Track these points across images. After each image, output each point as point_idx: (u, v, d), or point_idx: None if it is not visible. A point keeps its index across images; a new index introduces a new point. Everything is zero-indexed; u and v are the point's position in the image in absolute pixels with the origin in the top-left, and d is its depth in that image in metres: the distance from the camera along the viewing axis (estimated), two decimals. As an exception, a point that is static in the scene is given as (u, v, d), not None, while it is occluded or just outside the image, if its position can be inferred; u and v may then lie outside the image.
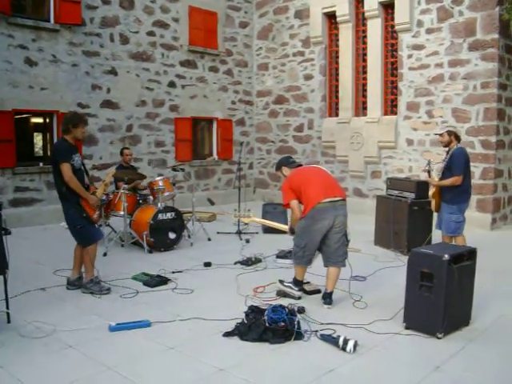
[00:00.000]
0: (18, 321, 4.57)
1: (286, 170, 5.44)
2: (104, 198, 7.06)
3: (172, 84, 11.78)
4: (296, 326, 4.25)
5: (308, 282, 5.57)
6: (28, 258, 6.88)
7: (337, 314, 4.85)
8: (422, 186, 7.60)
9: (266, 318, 4.28)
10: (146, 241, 7.34)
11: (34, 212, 9.52)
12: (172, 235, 7.58)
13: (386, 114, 10.97)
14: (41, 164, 9.76)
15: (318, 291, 5.42)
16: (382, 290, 5.62)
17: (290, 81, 12.72)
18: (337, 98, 11.88)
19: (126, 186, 7.61)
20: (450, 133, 6.38)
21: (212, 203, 9.63)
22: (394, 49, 10.76)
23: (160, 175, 8.56)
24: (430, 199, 6.77)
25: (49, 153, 10.12)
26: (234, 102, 13.23)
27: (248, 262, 6.74)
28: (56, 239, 8.23)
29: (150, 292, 5.54)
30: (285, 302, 4.92)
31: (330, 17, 11.76)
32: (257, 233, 8.80)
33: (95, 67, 10.37)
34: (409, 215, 7.38)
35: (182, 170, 9.08)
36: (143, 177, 8.32)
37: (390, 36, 10.84)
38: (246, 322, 4.37)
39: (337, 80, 11.84)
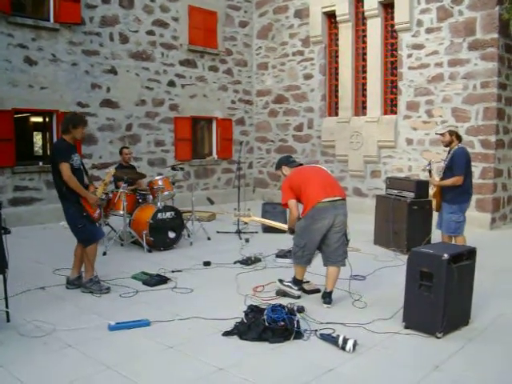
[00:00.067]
0: (18, 320, 4.57)
1: (286, 170, 5.44)
2: (103, 197, 7.06)
3: (172, 83, 11.78)
4: (295, 326, 4.25)
5: (307, 282, 5.57)
6: (27, 257, 6.87)
7: (336, 313, 4.86)
8: (421, 186, 7.61)
9: (265, 317, 4.28)
10: (145, 240, 7.34)
11: (33, 211, 9.52)
12: (171, 234, 7.58)
13: (385, 113, 10.97)
14: (40, 163, 9.76)
15: (318, 290, 5.42)
16: (382, 290, 5.63)
17: (289, 80, 12.72)
18: (336, 97, 11.88)
19: (127, 186, 7.61)
20: (451, 132, 6.37)
21: (211, 202, 9.62)
22: (394, 48, 10.76)
23: (159, 174, 8.56)
24: (430, 199, 6.76)
25: (48, 152, 10.12)
26: (233, 102, 13.23)
27: (247, 262, 6.74)
28: (55, 238, 8.23)
29: (149, 291, 5.54)
30: (284, 301, 4.93)
31: (330, 16, 11.76)
32: (256, 232, 8.80)
33: (95, 66, 10.36)
34: (408, 214, 7.38)
35: (182, 169, 9.08)
36: (143, 176, 8.33)
37: (390, 35, 10.84)
38: (245, 321, 4.37)
39: (336, 79, 11.84)
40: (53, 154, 5.42)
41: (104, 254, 7.05)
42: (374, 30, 10.80)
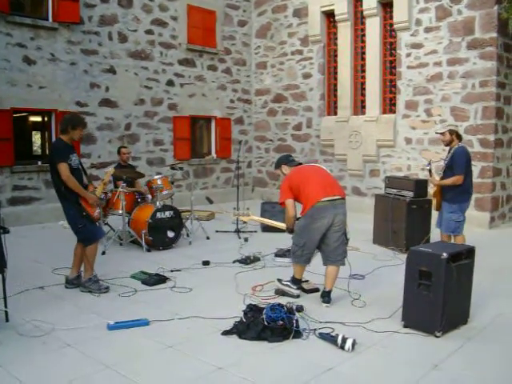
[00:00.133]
0: (17, 319, 4.57)
1: (285, 169, 5.44)
2: (102, 196, 7.06)
3: (170, 82, 11.77)
4: (294, 325, 4.25)
5: (306, 281, 5.57)
6: (26, 257, 6.87)
7: (335, 312, 4.86)
8: (420, 185, 7.61)
9: (264, 316, 4.28)
10: (144, 239, 7.34)
11: (32, 211, 9.51)
12: (170, 234, 7.58)
13: (384, 112, 10.97)
14: (39, 163, 9.76)
15: (317, 290, 5.43)
16: (381, 289, 5.63)
17: (288, 79, 12.72)
18: (335, 96, 11.88)
19: (126, 186, 7.61)
20: (451, 132, 6.36)
21: (210, 202, 9.63)
22: (393, 47, 10.76)
23: (158, 174, 8.55)
24: (430, 198, 6.75)
25: (47, 151, 10.12)
26: (232, 101, 13.23)
27: (247, 261, 6.74)
28: (54, 238, 8.23)
29: (148, 291, 5.54)
30: (283, 300, 4.94)
31: (329, 15, 11.75)
32: (255, 231, 8.80)
33: (94, 66, 10.35)
34: (407, 214, 7.38)
35: (181, 168, 9.08)
36: (141, 175, 8.33)
37: (389, 35, 10.83)
38: (244, 320, 4.38)
39: (335, 79, 11.84)
40: (51, 155, 5.42)
41: (103, 253, 7.04)
42: (373, 29, 10.80)
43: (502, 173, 9.74)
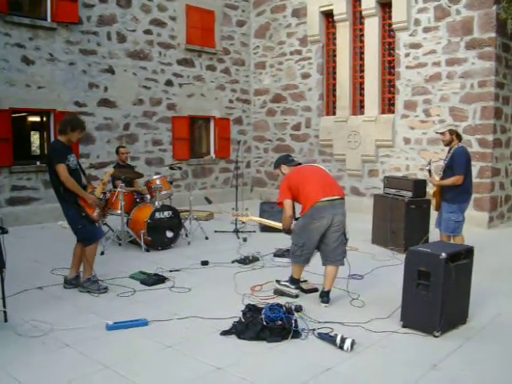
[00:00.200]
0: (16, 320, 4.56)
1: (285, 168, 5.44)
2: (101, 196, 7.05)
3: (169, 82, 11.77)
4: (293, 325, 4.24)
5: (305, 281, 5.57)
6: (25, 257, 6.87)
7: (334, 312, 4.86)
8: (419, 185, 7.62)
9: (263, 316, 4.28)
10: (143, 239, 7.33)
11: (31, 211, 9.51)
12: (169, 234, 7.58)
13: (383, 112, 10.98)
14: (38, 163, 9.76)
15: (316, 290, 5.42)
16: (380, 289, 5.63)
17: (287, 79, 12.72)
18: (334, 96, 11.88)
19: (125, 186, 7.61)
20: (451, 132, 6.36)
21: (209, 202, 9.63)
22: (392, 47, 10.77)
23: (157, 174, 8.55)
24: (429, 198, 6.75)
25: (46, 151, 10.10)
26: (231, 101, 13.23)
27: (245, 261, 6.74)
28: (53, 238, 8.23)
29: (147, 291, 5.54)
30: (282, 300, 4.94)
31: (328, 15, 11.76)
32: (254, 231, 8.80)
33: (92, 66, 10.35)
34: (406, 214, 7.39)
35: (180, 168, 9.07)
36: (140, 175, 8.32)
37: (388, 35, 10.84)
38: (243, 320, 4.37)
39: (334, 78, 11.84)
40: (49, 156, 5.43)
41: (102, 253, 7.04)
42: (372, 29, 10.80)
43: (500, 173, 9.75)
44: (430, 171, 6.53)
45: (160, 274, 6.04)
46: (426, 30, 9.99)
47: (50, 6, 9.69)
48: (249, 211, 6.63)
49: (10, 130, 9.30)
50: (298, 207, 5.21)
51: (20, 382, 3.48)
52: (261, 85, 13.41)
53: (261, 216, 8.44)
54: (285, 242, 6.54)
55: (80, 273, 5.60)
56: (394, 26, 10.44)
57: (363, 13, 10.89)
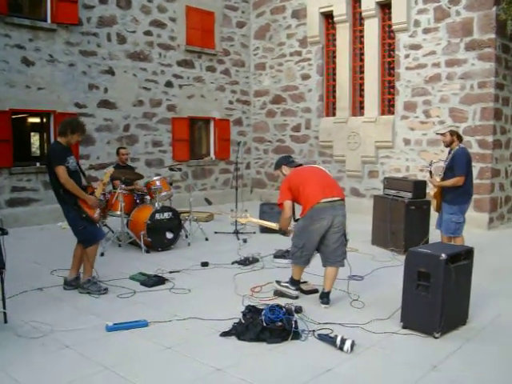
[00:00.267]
0: (15, 321, 4.56)
1: (285, 169, 5.44)
2: (101, 197, 7.05)
3: (169, 84, 11.77)
4: (293, 326, 4.24)
5: (305, 282, 5.57)
6: (25, 258, 6.86)
7: (334, 313, 4.86)
8: (419, 186, 7.61)
9: (263, 317, 4.28)
10: (143, 241, 7.33)
11: (30, 212, 9.51)
12: (169, 235, 7.57)
13: (383, 113, 10.98)
14: (38, 164, 9.76)
15: (316, 291, 5.42)
16: (380, 290, 5.63)
17: (287, 80, 12.72)
18: (334, 97, 11.88)
19: (122, 185, 7.60)
20: (452, 132, 6.35)
21: (209, 203, 9.63)
22: (391, 48, 10.77)
23: (157, 175, 8.55)
24: (429, 199, 6.74)
25: (46, 153, 10.09)
26: (231, 102, 13.23)
27: (245, 262, 6.74)
28: (53, 239, 8.23)
29: (147, 292, 5.54)
30: (282, 301, 4.93)
31: (327, 16, 11.76)
32: (254, 233, 8.80)
33: (92, 67, 10.35)
34: (406, 215, 7.38)
35: (179, 169, 9.07)
36: (140, 176, 8.32)
37: (387, 36, 10.85)
38: (243, 321, 4.37)
39: (334, 80, 11.84)
40: (48, 158, 5.41)
41: (102, 254, 7.03)
42: (372, 30, 10.81)
43: (500, 174, 9.75)
44: (430, 172, 6.52)
45: (160, 275, 6.04)
46: (426, 31, 10.00)
47: (50, 8, 9.69)
48: (248, 213, 6.62)
49: (10, 131, 9.30)
50: (298, 208, 5.21)
51: (20, 383, 3.48)
52: (261, 86, 13.42)
53: (261, 217, 8.44)
54: (285, 243, 6.53)
55: (80, 274, 5.60)
56: (393, 27, 10.45)
57: (363, 14, 10.89)
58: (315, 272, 5.61)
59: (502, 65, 9.46)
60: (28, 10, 9.74)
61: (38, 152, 10.68)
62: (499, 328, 4.58)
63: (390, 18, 10.58)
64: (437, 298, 4.21)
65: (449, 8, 9.66)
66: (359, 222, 8.58)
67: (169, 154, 11.87)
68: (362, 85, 11.29)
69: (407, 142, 10.47)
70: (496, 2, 9.05)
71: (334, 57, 11.79)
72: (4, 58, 9.12)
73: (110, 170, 5.96)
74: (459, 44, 9.56)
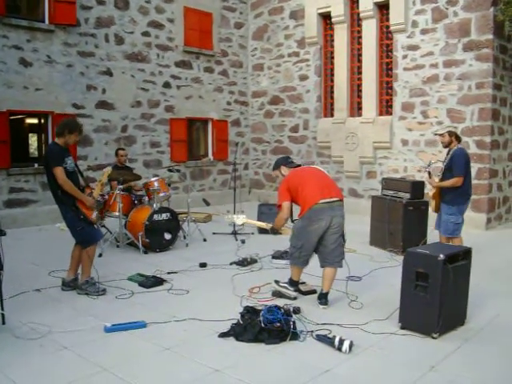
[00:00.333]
0: (13, 322, 4.55)
1: (284, 170, 5.43)
2: (99, 198, 7.02)
3: (167, 85, 11.77)
4: (291, 327, 4.24)
5: (304, 283, 5.57)
6: (23, 259, 6.86)
7: (332, 314, 4.86)
8: (417, 186, 7.62)
9: (261, 318, 4.28)
10: (141, 241, 7.33)
11: (28, 213, 9.49)
12: (167, 236, 7.57)
13: (381, 114, 10.99)
14: (36, 165, 9.74)
15: (314, 291, 5.42)
16: (378, 290, 5.64)
17: (285, 81, 12.73)
18: (332, 98, 11.89)
19: (120, 186, 7.60)
20: (450, 133, 6.35)
21: (207, 204, 9.62)
22: (389, 49, 10.78)
23: (155, 176, 8.55)
24: (427, 200, 6.75)
25: (43, 153, 10.08)
26: (229, 103, 13.23)
27: (243, 263, 6.74)
28: (51, 240, 8.22)
29: (145, 293, 5.53)
30: (280, 302, 4.93)
31: (325, 17, 11.78)
32: (252, 233, 8.79)
33: (90, 68, 10.34)
34: (404, 215, 7.39)
35: (178, 170, 9.07)
36: (138, 177, 8.32)
37: (385, 36, 10.86)
38: (241, 322, 4.37)
39: (332, 80, 11.85)
40: (46, 159, 5.40)
41: (100, 255, 7.03)
42: (370, 31, 10.82)
43: (498, 174, 9.77)
44: (429, 173, 6.52)
45: (158, 276, 6.03)
46: (424, 31, 10.02)
47: (47, 8, 9.69)
48: (244, 213, 6.60)
49: (8, 132, 9.29)
50: (296, 209, 5.21)
51: (18, 384, 3.48)
52: (259, 87, 13.42)
53: (259, 218, 8.45)
54: (283, 243, 6.54)
55: (78, 275, 5.60)
56: (391, 28, 10.47)
57: (361, 15, 10.90)
58: (313, 273, 5.62)
59: (499, 65, 9.48)
60: (26, 10, 9.74)
61: (36, 153, 10.67)
62: (497, 328, 4.58)
63: (387, 19, 10.60)
64: (435, 298, 4.21)
65: (446, 9, 9.67)
66: (357, 222, 8.58)
67: (167, 154, 11.87)
68: (359, 85, 11.30)
69: (405, 142, 10.48)
70: (494, 3, 9.08)
71: (332, 57, 11.79)
72: (2, 58, 9.11)
73: (109, 169, 5.94)
74: (457, 45, 9.58)
